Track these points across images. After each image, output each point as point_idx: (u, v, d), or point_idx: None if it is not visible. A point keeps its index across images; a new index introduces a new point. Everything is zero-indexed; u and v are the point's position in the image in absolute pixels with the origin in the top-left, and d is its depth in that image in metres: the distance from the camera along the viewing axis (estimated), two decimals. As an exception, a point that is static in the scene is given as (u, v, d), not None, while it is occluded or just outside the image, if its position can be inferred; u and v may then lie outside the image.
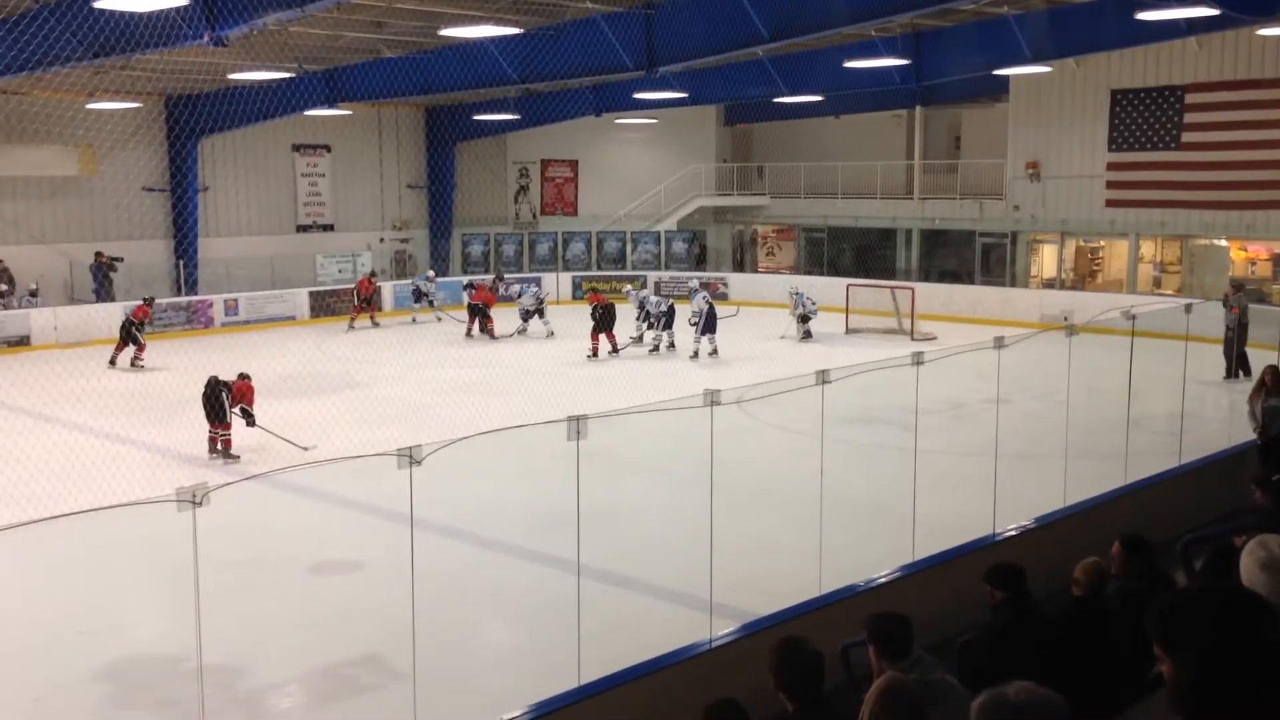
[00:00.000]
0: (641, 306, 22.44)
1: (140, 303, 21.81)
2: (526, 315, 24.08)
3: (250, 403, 14.14)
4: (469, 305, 24.80)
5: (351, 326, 25.77)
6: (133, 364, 20.61)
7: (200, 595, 5.53)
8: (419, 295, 27.08)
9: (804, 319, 23.30)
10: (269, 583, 9.92)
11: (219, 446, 13.93)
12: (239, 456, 13.88)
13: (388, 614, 8.10)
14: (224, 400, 13.87)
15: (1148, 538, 6.17)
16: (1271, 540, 3.26)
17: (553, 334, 23.69)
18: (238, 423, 14.05)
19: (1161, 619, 2.20)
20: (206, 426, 13.99)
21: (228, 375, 14.24)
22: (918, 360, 8.55)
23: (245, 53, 19.27)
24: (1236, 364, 17.58)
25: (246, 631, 8.59)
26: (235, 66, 20.64)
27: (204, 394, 13.95)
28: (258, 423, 14.11)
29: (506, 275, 29.02)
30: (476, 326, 24.13)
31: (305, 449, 13.65)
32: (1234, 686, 2.08)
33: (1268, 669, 2.08)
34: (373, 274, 27.78)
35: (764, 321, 24.44)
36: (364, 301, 26.14)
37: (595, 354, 21.27)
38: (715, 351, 21.01)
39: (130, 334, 20.78)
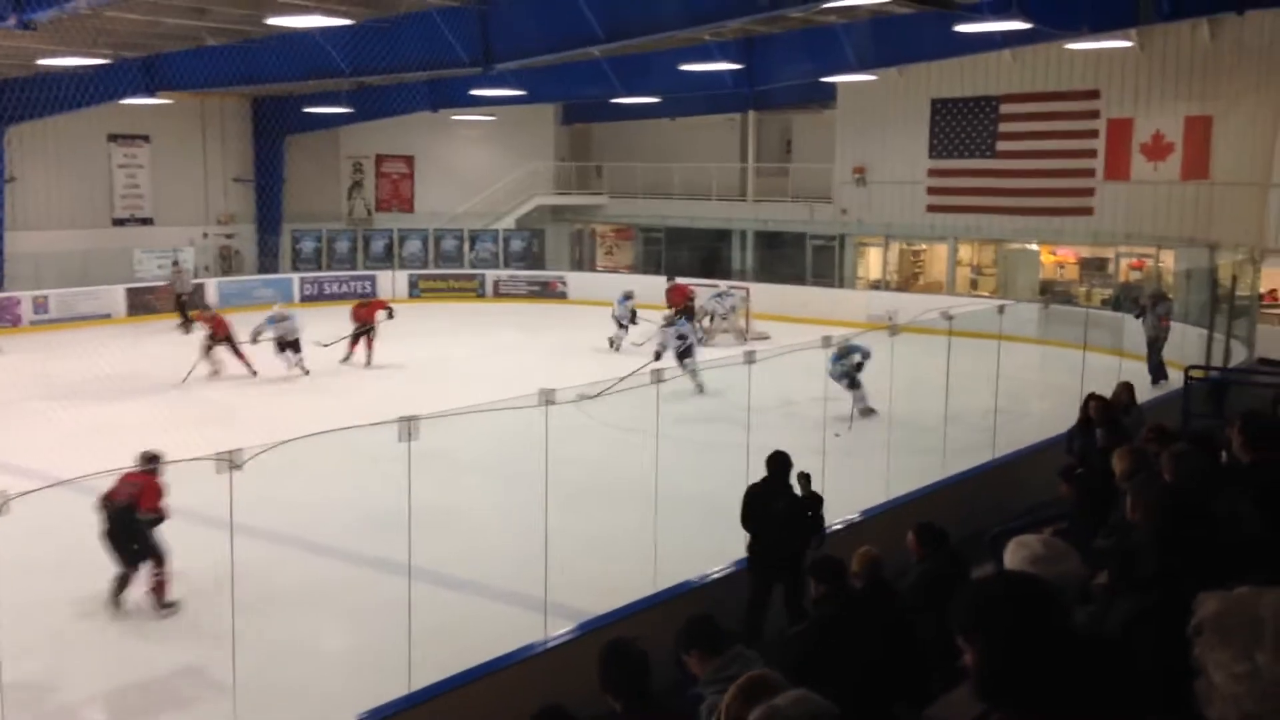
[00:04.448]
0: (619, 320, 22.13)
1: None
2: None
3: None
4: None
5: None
6: None
7: (1, 608, 5.22)
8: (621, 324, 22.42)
9: (723, 318, 23.64)
10: (80, 593, 9.41)
11: (158, 593, 9.14)
12: (176, 604, 9.16)
13: (209, 623, 7.82)
14: (141, 528, 9.07)
15: (940, 525, 6.49)
16: (1029, 538, 3.49)
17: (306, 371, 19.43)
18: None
19: (960, 610, 2.29)
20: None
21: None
22: (750, 359, 8.74)
23: (56, 37, 18.23)
24: (1157, 371, 17.22)
25: (56, 644, 8.14)
26: (45, 52, 19.55)
27: (108, 529, 9.07)
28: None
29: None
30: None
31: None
32: (1031, 673, 2.17)
33: (1061, 656, 2.19)
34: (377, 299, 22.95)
35: (606, 320, 24.51)
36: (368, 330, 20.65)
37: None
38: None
39: None
